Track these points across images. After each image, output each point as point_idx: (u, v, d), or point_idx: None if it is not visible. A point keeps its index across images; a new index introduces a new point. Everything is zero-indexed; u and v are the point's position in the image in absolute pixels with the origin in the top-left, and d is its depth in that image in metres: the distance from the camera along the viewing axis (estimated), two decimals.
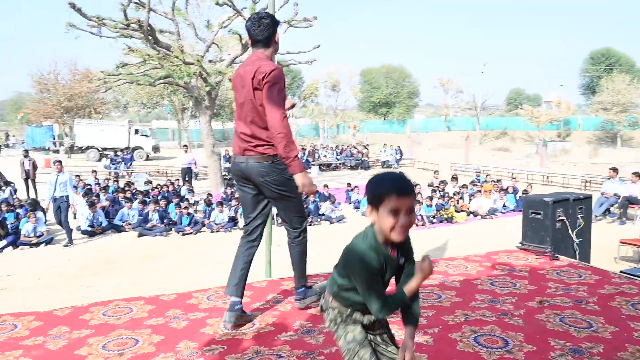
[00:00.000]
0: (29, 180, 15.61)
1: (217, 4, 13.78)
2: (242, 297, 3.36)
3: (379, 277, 1.83)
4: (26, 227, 10.21)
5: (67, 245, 9.95)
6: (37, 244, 10.09)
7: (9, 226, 10.37)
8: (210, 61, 16.47)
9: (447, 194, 13.53)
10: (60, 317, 3.57)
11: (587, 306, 3.68)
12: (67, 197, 9.92)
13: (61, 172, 9.95)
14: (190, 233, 11.22)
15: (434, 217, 12.06)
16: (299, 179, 3.06)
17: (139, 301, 3.86)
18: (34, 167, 15.81)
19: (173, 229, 11.32)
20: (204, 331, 3.27)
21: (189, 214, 11.51)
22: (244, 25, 3.25)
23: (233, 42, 18.13)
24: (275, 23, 3.24)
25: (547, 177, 19.93)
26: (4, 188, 14.34)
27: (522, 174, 20.78)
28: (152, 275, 7.81)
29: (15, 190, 14.79)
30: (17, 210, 11.32)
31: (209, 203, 12.23)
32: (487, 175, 16.63)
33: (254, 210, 3.41)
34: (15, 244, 10.01)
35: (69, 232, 10.11)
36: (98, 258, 9.18)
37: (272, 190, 3.25)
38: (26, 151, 16.97)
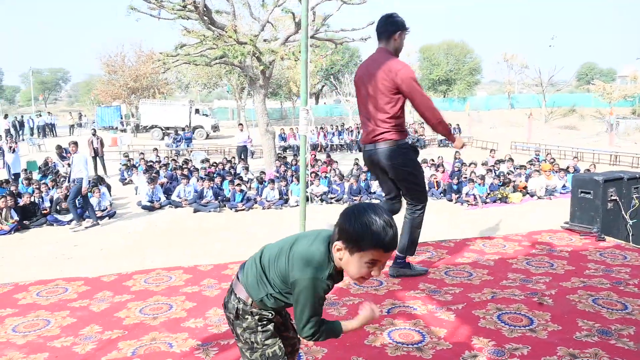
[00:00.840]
0: (97, 158, 16.50)
1: None
2: (402, 252, 3.79)
3: (323, 302, 1.66)
4: (91, 201, 10.85)
5: (74, 228, 9.70)
6: (101, 217, 10.70)
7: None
8: (265, 40, 16.64)
9: (502, 174, 13.13)
10: (106, 283, 3.85)
11: (626, 288, 3.53)
12: (80, 179, 9.52)
13: (76, 153, 9.65)
14: (243, 209, 11.55)
15: (487, 196, 11.76)
16: (457, 141, 3.80)
17: (178, 270, 4.08)
18: (102, 144, 16.69)
19: (226, 205, 11.69)
20: None
21: (241, 190, 11.85)
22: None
23: (288, 20, 18.17)
24: (397, 23, 3.58)
25: (616, 156, 18.85)
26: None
27: (588, 153, 19.77)
28: (203, 248, 8.15)
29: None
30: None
31: (261, 181, 12.52)
32: (547, 154, 15.96)
33: (388, 186, 3.83)
34: (82, 216, 10.67)
35: (75, 213, 9.78)
36: (155, 232, 9.66)
37: (397, 171, 3.63)
38: (94, 130, 17.95)
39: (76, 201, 9.84)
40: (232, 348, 2.72)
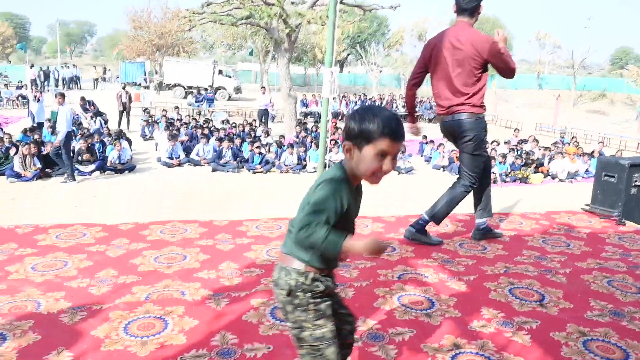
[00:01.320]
0: (125, 112, 16.64)
1: None
2: (482, 217, 3.97)
3: (340, 205, 1.58)
4: (112, 154, 10.98)
5: (65, 182, 9.43)
6: (121, 170, 10.85)
7: (97, 153, 11.21)
8: (292, 3, 16.38)
9: (524, 153, 12.93)
10: (123, 231, 3.93)
11: None
12: (67, 132, 9.22)
13: (61, 105, 9.29)
14: (261, 172, 11.59)
15: (507, 175, 11.61)
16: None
17: (194, 224, 4.14)
18: (130, 99, 16.81)
19: (245, 166, 11.75)
20: (247, 255, 3.48)
21: (260, 153, 11.86)
22: None
23: None
24: None
25: None
26: (95, 119, 15.44)
27: (615, 139, 19.32)
28: (220, 206, 8.22)
29: (107, 121, 15.87)
30: (105, 139, 12.18)
31: (280, 145, 12.51)
32: (572, 138, 15.63)
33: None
34: (102, 169, 10.83)
35: (68, 167, 9.51)
36: (173, 188, 9.76)
37: (467, 144, 3.76)
38: (124, 84, 18.04)
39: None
40: (243, 300, 2.77)
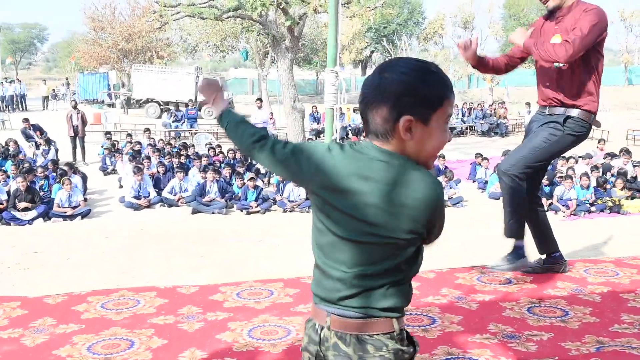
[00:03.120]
0: (77, 138, 16.68)
1: None
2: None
3: None
4: (60, 196, 10.91)
5: None
6: (72, 217, 10.76)
7: (39, 194, 11.15)
8: None
9: (618, 171, 12.62)
10: (50, 306, 3.72)
11: None
12: None
13: None
14: (257, 212, 11.42)
15: (592, 204, 11.29)
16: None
17: (151, 292, 3.92)
18: (83, 122, 16.82)
19: (235, 205, 11.59)
20: (220, 337, 3.25)
21: (256, 187, 11.71)
22: None
23: None
24: None
25: None
26: (42, 149, 15.52)
27: None
28: (199, 262, 8.00)
29: (57, 151, 15.93)
30: (52, 174, 12.16)
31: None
32: None
33: None
34: (46, 215, 10.75)
35: None
36: (141, 237, 9.59)
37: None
38: (75, 102, 18.21)
39: None
40: None
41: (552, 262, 4.21)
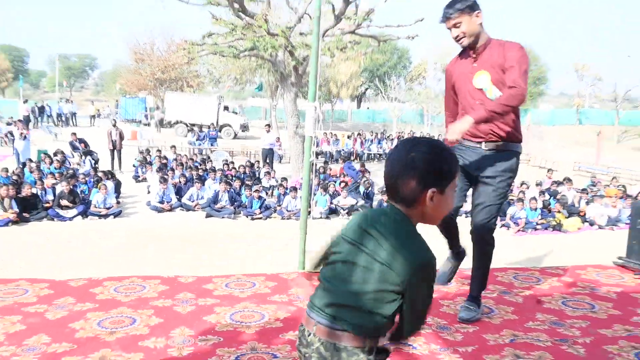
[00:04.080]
0: (115, 151, 16.81)
1: None
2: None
3: None
4: (96, 198, 10.98)
5: None
6: (105, 216, 10.82)
7: (81, 196, 11.22)
8: (301, 34, 16.61)
9: (560, 196, 12.62)
10: (72, 288, 3.77)
11: None
12: None
13: None
14: (260, 217, 11.47)
15: (538, 223, 11.29)
16: (461, 121, 3.17)
17: (155, 280, 3.96)
18: (121, 137, 16.99)
19: (242, 212, 11.63)
20: (207, 319, 3.28)
21: (260, 197, 11.76)
22: None
23: (328, 14, 18.11)
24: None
25: None
26: (84, 158, 15.61)
27: None
28: (209, 258, 8.07)
29: (97, 161, 16.02)
30: (92, 180, 12.24)
31: (282, 188, 12.43)
32: (613, 179, 15.27)
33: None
34: (85, 213, 10.82)
35: None
36: (161, 235, 9.66)
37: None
38: (114, 121, 18.33)
39: None
40: None
41: (457, 252, 3.72)
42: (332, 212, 12.10)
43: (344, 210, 11.97)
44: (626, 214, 12.11)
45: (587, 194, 13.02)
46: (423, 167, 1.48)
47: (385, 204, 1.64)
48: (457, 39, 3.21)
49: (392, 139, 24.14)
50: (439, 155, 1.52)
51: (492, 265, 3.59)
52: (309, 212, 11.78)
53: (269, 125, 19.17)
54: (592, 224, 11.78)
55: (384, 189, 1.67)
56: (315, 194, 12.16)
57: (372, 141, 23.61)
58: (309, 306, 1.61)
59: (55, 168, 13.52)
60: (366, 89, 47.58)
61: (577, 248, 9.54)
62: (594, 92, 45.27)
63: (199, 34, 15.17)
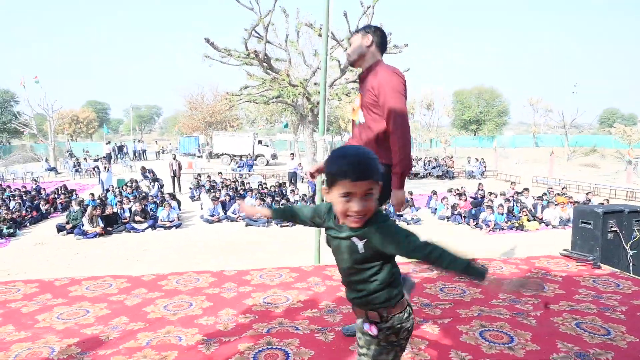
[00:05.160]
0: (175, 178, 17.05)
1: (319, 35, 14.07)
2: None
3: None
4: (162, 214, 11.17)
5: None
6: (169, 227, 10.98)
7: (151, 212, 11.40)
8: (315, 84, 16.84)
9: (520, 203, 12.49)
10: (144, 281, 3.86)
11: (612, 314, 3.18)
12: None
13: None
14: (287, 225, 11.52)
15: (504, 225, 11.18)
16: (397, 192, 2.52)
17: (206, 274, 4.04)
18: (180, 167, 17.22)
19: (273, 221, 11.71)
20: (246, 302, 3.35)
21: None
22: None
23: (335, 68, 18.32)
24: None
25: (632, 193, 17.54)
26: (152, 184, 15.86)
27: (605, 188, 18.53)
28: (252, 256, 8.14)
29: (162, 186, 16.27)
30: (157, 201, 12.42)
31: (305, 201, 12.49)
32: (563, 188, 15.06)
33: None
34: (154, 226, 10.99)
35: None
36: (212, 241, 9.77)
37: None
38: (174, 155, 18.61)
39: None
40: (231, 344, 2.63)
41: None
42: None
43: None
44: None
45: (543, 200, 12.88)
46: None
47: None
48: (352, 64, 2.69)
49: None
50: (330, 157, 1.43)
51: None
52: None
53: (292, 154, 19.33)
54: (547, 224, 11.65)
55: None
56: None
57: None
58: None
59: (128, 193, 13.77)
60: None
61: (535, 244, 9.42)
62: (546, 121, 44.77)
63: (236, 86, 15.51)
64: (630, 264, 5.12)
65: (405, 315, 1.59)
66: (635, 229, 5.21)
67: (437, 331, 2.83)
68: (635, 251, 5.14)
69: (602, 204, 11.83)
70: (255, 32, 14.03)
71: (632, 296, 3.56)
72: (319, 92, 14.33)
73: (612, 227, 5.03)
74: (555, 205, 12.14)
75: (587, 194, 14.27)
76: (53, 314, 3.13)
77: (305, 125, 15.98)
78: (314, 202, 12.08)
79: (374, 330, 1.57)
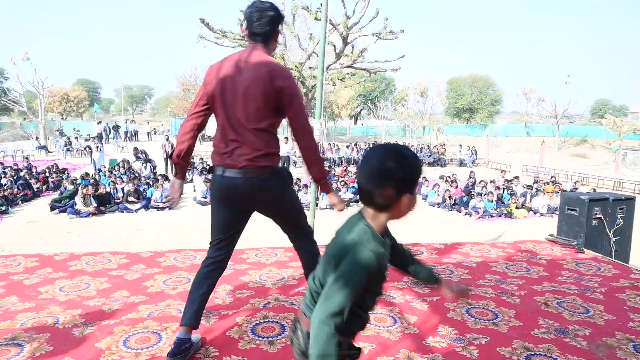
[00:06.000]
0: (168, 159, 17.02)
1: (316, 18, 14.03)
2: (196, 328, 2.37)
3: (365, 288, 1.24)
4: (155, 194, 11.23)
5: None
6: (162, 208, 11.04)
7: (144, 193, 11.45)
8: (310, 68, 16.81)
9: (510, 190, 12.71)
10: (143, 258, 3.96)
11: (592, 295, 3.35)
12: None
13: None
14: None
15: (493, 212, 11.39)
16: (335, 199, 2.46)
17: (204, 252, 4.12)
18: (172, 148, 17.21)
19: None
20: (242, 279, 3.47)
21: None
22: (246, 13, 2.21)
23: (331, 52, 18.31)
24: (278, 19, 2.29)
25: (619, 183, 17.87)
26: (145, 165, 15.85)
27: (593, 178, 18.86)
28: (244, 238, 8.25)
29: (155, 167, 16.26)
30: (150, 182, 12.44)
31: (297, 185, 12.59)
32: (552, 178, 15.32)
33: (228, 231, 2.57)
34: (147, 207, 11.05)
35: None
36: (207, 224, 9.85)
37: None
38: (167, 136, 18.55)
39: None
40: (230, 317, 2.76)
41: None
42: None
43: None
44: None
45: (532, 189, 13.11)
46: (385, 166, 1.23)
47: None
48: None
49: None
50: (408, 160, 1.25)
51: (455, 240, 3.70)
52: (317, 204, 11.94)
53: (286, 138, 19.34)
54: (536, 212, 11.88)
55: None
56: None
57: (365, 150, 23.75)
58: None
59: (121, 173, 13.77)
60: (361, 110, 47.67)
61: (523, 231, 9.65)
62: (539, 110, 45.08)
63: None
64: (613, 250, 5.31)
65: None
66: (618, 216, 5.39)
67: (426, 307, 2.98)
68: (618, 237, 5.34)
69: (589, 192, 12.08)
70: None
71: (611, 279, 3.74)
72: (313, 77, 14.34)
73: (596, 214, 5.20)
74: (544, 194, 12.38)
75: (574, 183, 14.54)
76: (55, 287, 3.23)
77: None
78: (306, 187, 12.19)
79: None
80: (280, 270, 3.67)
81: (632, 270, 4.01)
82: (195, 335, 2.42)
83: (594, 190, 13.06)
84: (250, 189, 2.25)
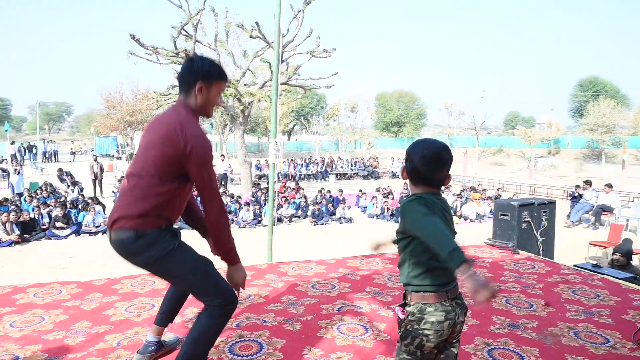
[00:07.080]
0: (97, 181, 16.12)
1: (251, 36, 14.12)
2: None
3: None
4: (87, 219, 10.59)
5: None
6: (95, 233, 10.44)
7: (73, 218, 10.76)
8: (245, 85, 16.78)
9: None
10: (97, 286, 3.79)
11: (532, 291, 3.72)
12: None
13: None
14: (244, 227, 11.47)
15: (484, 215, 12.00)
16: (236, 270, 2.34)
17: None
18: (101, 169, 16.33)
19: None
20: None
21: (249, 210, 11.78)
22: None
23: (265, 69, 18.41)
24: (196, 70, 2.03)
25: (534, 188, 19.60)
26: (71, 188, 14.89)
27: (512, 185, 20.52)
28: None
29: (82, 189, 15.31)
30: (80, 206, 11.73)
31: (238, 203, 12.47)
32: (478, 185, 16.46)
33: None
34: (78, 232, 10.39)
35: None
36: None
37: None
38: (95, 156, 17.58)
39: None
40: None
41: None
42: (278, 220, 12.19)
43: (286, 218, 12.18)
44: (488, 210, 13.17)
45: (462, 198, 14.01)
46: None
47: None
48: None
49: (317, 163, 24.61)
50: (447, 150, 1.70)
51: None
52: (260, 221, 11.89)
53: (223, 155, 19.08)
54: (466, 219, 12.70)
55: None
56: (263, 207, 12.31)
57: (302, 165, 24.02)
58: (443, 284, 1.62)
59: (43, 197, 12.81)
60: (294, 126, 48.10)
61: (458, 237, 10.28)
62: (459, 123, 48.12)
63: (160, 85, 15.03)
64: (541, 249, 5.88)
65: (430, 309, 1.58)
66: (543, 218, 5.99)
67: (392, 314, 3.15)
68: (544, 238, 5.92)
69: (499, 195, 13.14)
70: (184, 30, 13.74)
71: (546, 275, 4.16)
72: (251, 94, 14.36)
73: (525, 217, 5.75)
74: (472, 201, 13.28)
75: (497, 190, 15.74)
76: (4, 323, 3.01)
77: (237, 127, 15.89)
78: (248, 205, 12.11)
79: (399, 313, 1.70)
80: (246, 289, 3.68)
81: (561, 267, 4.48)
82: (173, 336, 2.68)
83: (515, 195, 14.22)
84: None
